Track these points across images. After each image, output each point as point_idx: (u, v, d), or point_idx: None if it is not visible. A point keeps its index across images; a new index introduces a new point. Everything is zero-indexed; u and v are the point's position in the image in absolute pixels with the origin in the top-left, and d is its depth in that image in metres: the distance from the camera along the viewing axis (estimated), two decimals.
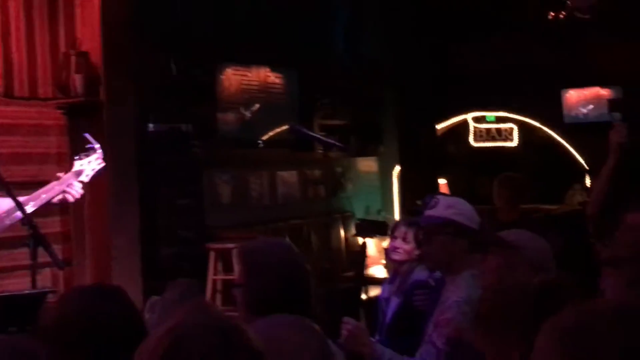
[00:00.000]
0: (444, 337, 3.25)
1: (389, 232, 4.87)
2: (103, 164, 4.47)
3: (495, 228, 3.81)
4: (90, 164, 4.42)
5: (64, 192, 4.28)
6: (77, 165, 4.38)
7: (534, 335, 2.02)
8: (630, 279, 3.22)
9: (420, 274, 4.29)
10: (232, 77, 8.23)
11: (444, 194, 3.78)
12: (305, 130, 5.20)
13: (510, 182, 6.33)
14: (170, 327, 1.40)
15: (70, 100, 6.16)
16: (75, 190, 4.30)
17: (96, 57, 6.17)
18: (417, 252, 4.29)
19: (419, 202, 3.76)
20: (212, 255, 6.89)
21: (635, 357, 1.16)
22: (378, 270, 8.42)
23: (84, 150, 4.49)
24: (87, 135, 4.53)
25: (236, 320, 1.49)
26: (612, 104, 4.43)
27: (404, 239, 4.44)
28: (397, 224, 4.74)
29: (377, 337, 4.38)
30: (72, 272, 6.19)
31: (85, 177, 4.37)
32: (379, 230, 6.67)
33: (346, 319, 3.35)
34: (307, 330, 1.79)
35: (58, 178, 4.33)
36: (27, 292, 3.75)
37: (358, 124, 9.63)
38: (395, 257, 4.51)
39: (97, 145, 4.46)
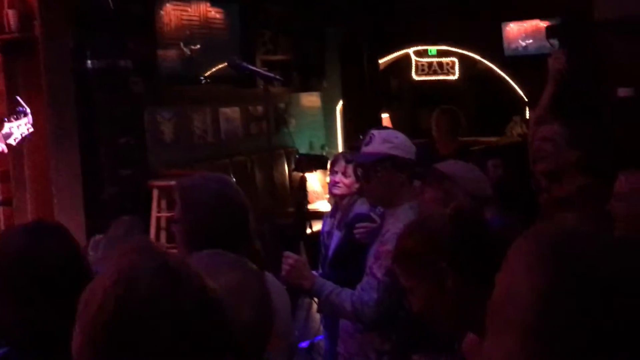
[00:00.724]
0: (384, 268, 3.28)
1: (329, 167, 4.90)
2: (32, 130, 4.41)
3: (434, 160, 3.83)
4: (19, 128, 4.37)
5: None
6: (7, 127, 4.33)
7: (458, 260, 2.06)
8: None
9: (361, 207, 4.33)
10: (172, 13, 8.10)
11: (379, 128, 3.77)
12: (244, 64, 5.14)
13: (448, 114, 6.39)
14: (117, 276, 1.34)
15: (5, 36, 6.00)
16: None
17: None
18: (357, 186, 4.32)
19: (361, 137, 3.76)
20: (155, 192, 6.85)
21: (623, 275, 1.17)
22: (323, 205, 8.48)
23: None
24: (19, 99, 4.47)
25: (180, 257, 1.45)
26: (550, 30, 4.43)
27: (344, 174, 4.48)
28: (336, 158, 4.76)
29: (319, 270, 4.44)
30: (12, 212, 6.13)
31: (12, 141, 4.32)
32: (319, 164, 6.72)
33: (287, 253, 3.38)
34: (245, 268, 1.78)
35: None
36: None
37: (300, 59, 9.58)
38: (336, 191, 4.55)
39: (27, 110, 4.40)
